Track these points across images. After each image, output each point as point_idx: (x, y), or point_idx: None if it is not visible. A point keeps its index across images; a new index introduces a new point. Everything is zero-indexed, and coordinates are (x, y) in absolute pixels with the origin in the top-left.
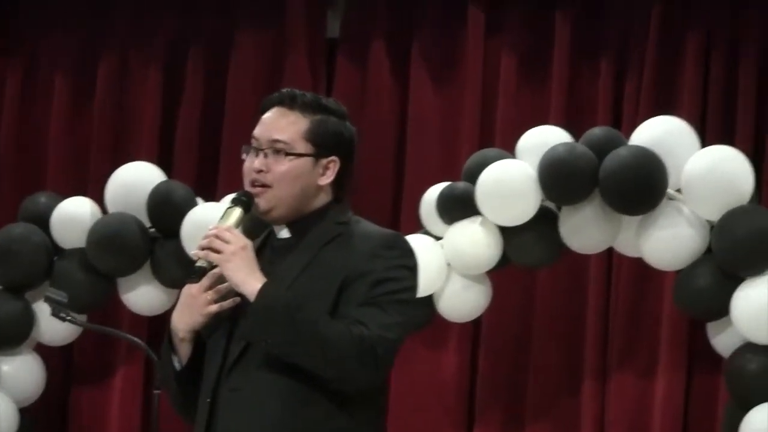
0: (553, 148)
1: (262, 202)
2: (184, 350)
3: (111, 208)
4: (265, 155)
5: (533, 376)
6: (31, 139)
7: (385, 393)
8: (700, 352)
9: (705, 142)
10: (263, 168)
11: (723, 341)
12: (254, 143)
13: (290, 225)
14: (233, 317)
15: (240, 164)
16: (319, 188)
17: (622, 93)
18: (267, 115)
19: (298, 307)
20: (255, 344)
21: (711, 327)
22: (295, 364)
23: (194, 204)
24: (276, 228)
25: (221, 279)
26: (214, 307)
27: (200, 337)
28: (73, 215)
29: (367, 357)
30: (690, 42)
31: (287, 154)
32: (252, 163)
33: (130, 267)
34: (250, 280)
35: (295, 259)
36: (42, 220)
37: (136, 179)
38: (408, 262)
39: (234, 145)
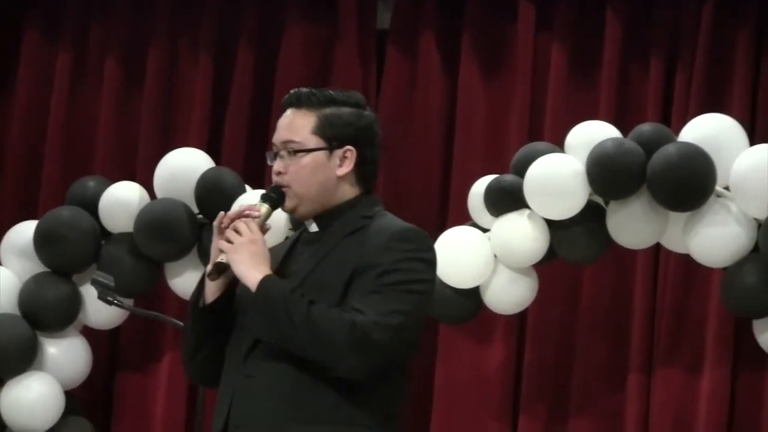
0: (602, 143)
1: (287, 202)
2: (211, 290)
3: (159, 193)
4: (282, 158)
5: (578, 369)
6: (80, 123)
7: (403, 381)
8: (746, 349)
9: (754, 140)
10: (281, 170)
11: None
12: (273, 148)
13: (317, 219)
14: None
15: None
16: (339, 179)
17: (671, 89)
18: (281, 119)
19: (294, 298)
20: None
21: (757, 324)
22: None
23: (243, 191)
24: (307, 223)
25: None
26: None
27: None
28: (122, 200)
29: (357, 341)
30: (741, 39)
31: (297, 151)
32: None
33: (178, 252)
34: (252, 272)
35: (316, 250)
36: (90, 204)
37: (184, 165)
38: (423, 255)
39: None
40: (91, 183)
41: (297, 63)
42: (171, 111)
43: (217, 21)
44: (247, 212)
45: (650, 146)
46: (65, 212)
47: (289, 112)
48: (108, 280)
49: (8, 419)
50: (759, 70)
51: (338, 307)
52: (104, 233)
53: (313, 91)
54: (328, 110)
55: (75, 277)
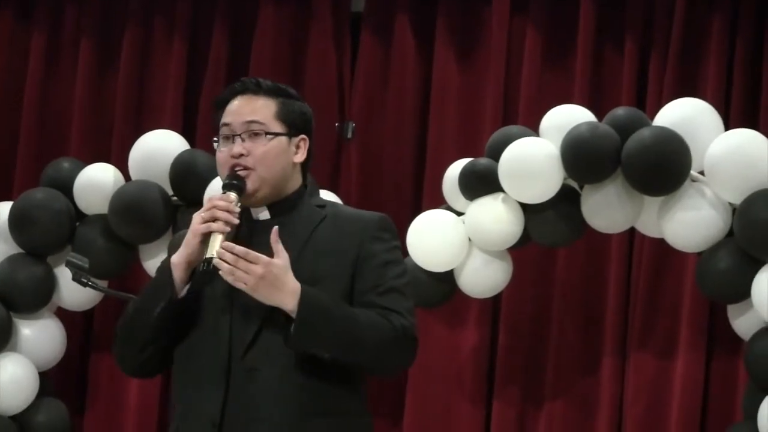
0: (577, 127)
1: (249, 184)
2: (180, 284)
3: (134, 175)
4: (242, 139)
5: (552, 353)
6: (54, 104)
7: None
8: (720, 334)
9: (729, 124)
10: (244, 152)
11: (743, 324)
12: (227, 131)
13: (270, 207)
14: (229, 296)
15: None
16: (294, 167)
17: (646, 73)
18: (234, 103)
19: (336, 306)
20: (269, 326)
21: (731, 309)
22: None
23: (216, 173)
24: (253, 211)
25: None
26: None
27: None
28: (96, 181)
29: (409, 344)
30: (715, 22)
31: (266, 133)
32: (228, 151)
33: (152, 234)
34: (283, 299)
35: (288, 238)
36: (65, 186)
37: (159, 147)
38: (398, 243)
39: None
40: (65, 164)
41: (271, 46)
42: (145, 92)
43: (192, 2)
44: (224, 203)
45: (625, 130)
46: (40, 194)
47: (243, 98)
48: (82, 261)
49: None
50: (733, 54)
51: (374, 310)
52: (79, 215)
53: (267, 80)
54: (282, 98)
55: (49, 259)
